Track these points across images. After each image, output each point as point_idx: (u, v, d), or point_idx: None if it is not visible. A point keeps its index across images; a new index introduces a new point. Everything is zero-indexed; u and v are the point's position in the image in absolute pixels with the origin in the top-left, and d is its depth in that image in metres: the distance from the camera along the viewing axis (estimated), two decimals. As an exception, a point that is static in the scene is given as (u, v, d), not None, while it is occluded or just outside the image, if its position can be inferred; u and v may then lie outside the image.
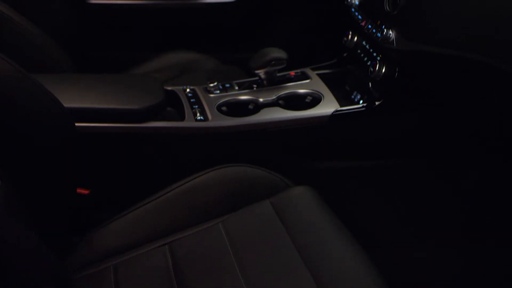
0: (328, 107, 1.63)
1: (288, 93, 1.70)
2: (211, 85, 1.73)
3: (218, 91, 1.72)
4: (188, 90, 1.73)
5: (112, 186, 1.60)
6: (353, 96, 1.73)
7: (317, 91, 1.69)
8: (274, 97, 1.67)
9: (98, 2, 2.56)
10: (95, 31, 2.51)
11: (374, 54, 1.66)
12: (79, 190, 1.49)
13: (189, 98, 1.68)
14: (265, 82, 1.73)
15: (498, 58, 1.20)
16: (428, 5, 1.38)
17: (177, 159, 1.60)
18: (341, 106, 1.63)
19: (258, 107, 1.64)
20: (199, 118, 1.59)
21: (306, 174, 1.64)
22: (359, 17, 1.70)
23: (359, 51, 1.77)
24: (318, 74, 1.79)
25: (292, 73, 1.80)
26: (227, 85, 1.75)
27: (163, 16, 2.61)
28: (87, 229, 1.41)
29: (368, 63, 1.67)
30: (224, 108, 1.65)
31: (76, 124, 1.34)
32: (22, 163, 1.20)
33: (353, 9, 1.74)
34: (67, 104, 1.30)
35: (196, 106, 1.64)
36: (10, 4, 1.74)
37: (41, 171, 1.25)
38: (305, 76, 1.78)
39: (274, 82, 1.73)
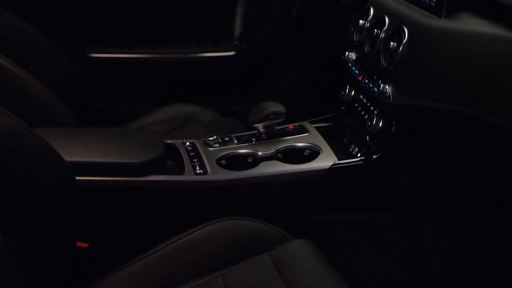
0: (326, 160, 1.64)
1: (286, 146, 1.71)
2: (211, 138, 1.74)
3: (217, 145, 1.73)
4: (187, 143, 1.74)
5: (111, 240, 1.60)
6: (351, 150, 1.75)
7: (315, 145, 1.71)
8: (273, 151, 1.69)
9: (99, 55, 2.60)
10: (96, 84, 2.54)
11: (371, 108, 1.68)
12: (78, 244, 1.49)
13: (188, 152, 1.69)
14: (264, 135, 1.74)
15: (494, 114, 1.21)
16: (424, 61, 1.40)
17: (176, 213, 1.60)
18: (339, 159, 1.64)
19: (257, 161, 1.66)
20: (198, 171, 1.60)
21: (305, 227, 1.65)
22: (356, 72, 1.73)
23: (356, 105, 1.79)
24: (316, 128, 1.81)
25: (291, 126, 1.82)
26: (226, 139, 1.76)
27: (163, 69, 2.64)
28: (87, 282, 1.40)
29: (366, 117, 1.69)
30: (223, 162, 1.66)
31: (77, 178, 1.35)
32: (22, 216, 1.20)
33: (350, 64, 1.76)
34: (67, 158, 1.31)
35: (196, 160, 1.65)
36: (13, 59, 1.77)
37: (41, 224, 1.25)
38: (303, 130, 1.79)
39: (272, 135, 1.74)
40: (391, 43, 1.49)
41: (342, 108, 1.87)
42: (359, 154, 1.70)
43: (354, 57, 1.75)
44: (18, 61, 1.78)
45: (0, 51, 1.75)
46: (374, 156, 1.61)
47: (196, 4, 2.72)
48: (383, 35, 1.56)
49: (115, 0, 2.69)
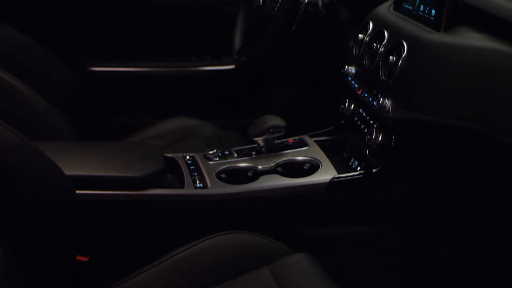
0: (326, 174, 1.64)
1: (286, 160, 1.71)
2: (211, 152, 1.75)
3: (217, 158, 1.73)
4: (187, 157, 1.74)
5: (111, 253, 1.60)
6: (350, 163, 1.75)
7: (315, 158, 1.71)
8: (273, 164, 1.69)
9: (99, 69, 2.61)
10: (96, 97, 2.54)
11: (371, 122, 1.69)
12: (78, 257, 1.49)
13: (188, 165, 1.70)
14: (263, 149, 1.74)
15: (494, 129, 1.22)
16: (423, 76, 1.40)
17: (176, 226, 1.60)
18: (338, 173, 1.64)
19: (256, 174, 1.66)
20: (198, 185, 1.60)
21: (305, 241, 1.64)
22: (356, 85, 1.73)
23: (356, 118, 1.79)
24: (316, 141, 1.81)
25: (290, 140, 1.82)
26: (226, 152, 1.77)
27: (163, 83, 2.65)
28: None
29: (365, 131, 1.69)
30: (223, 176, 1.66)
31: (77, 192, 1.35)
32: (22, 230, 1.20)
33: (349, 78, 1.77)
34: (67, 171, 1.31)
35: (196, 174, 1.66)
36: (13, 72, 1.77)
37: (41, 238, 1.25)
38: (303, 143, 1.79)
39: (272, 149, 1.74)
40: (390, 57, 1.49)
41: (342, 122, 1.87)
42: (358, 168, 1.70)
43: (353, 71, 1.75)
44: (18, 74, 1.78)
45: (0, 64, 1.75)
46: (374, 170, 1.61)
47: (196, 18, 2.73)
48: (383, 49, 1.57)
49: (115, 14, 2.70)
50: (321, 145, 1.79)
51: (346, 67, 1.77)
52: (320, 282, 1.35)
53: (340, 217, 1.67)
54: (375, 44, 1.61)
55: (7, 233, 1.13)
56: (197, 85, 2.67)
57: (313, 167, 1.69)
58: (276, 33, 2.06)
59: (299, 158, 1.73)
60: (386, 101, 1.50)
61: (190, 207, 1.59)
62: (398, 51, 1.48)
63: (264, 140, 1.72)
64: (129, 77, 2.64)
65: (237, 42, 2.64)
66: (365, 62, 1.65)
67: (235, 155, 1.76)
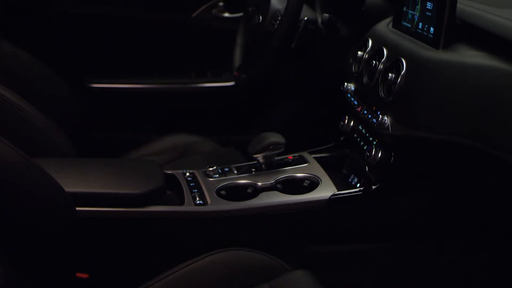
0: (325, 191, 1.64)
1: (286, 177, 1.72)
2: (210, 169, 1.75)
3: (217, 175, 1.74)
4: (187, 173, 1.75)
5: (111, 270, 1.60)
6: (350, 180, 1.75)
7: (315, 175, 1.71)
8: (273, 181, 1.69)
9: (99, 85, 2.61)
10: (96, 114, 2.55)
11: (370, 139, 1.69)
12: (78, 274, 1.49)
13: (188, 182, 1.70)
14: (263, 166, 1.75)
15: (494, 147, 1.22)
16: (422, 93, 1.41)
17: (176, 243, 1.60)
18: (338, 190, 1.65)
19: (256, 191, 1.66)
20: (198, 202, 1.60)
21: (305, 258, 1.64)
22: (355, 102, 1.73)
23: (355, 135, 1.79)
24: (315, 158, 1.81)
25: (290, 157, 1.82)
26: (226, 169, 1.77)
27: (163, 99, 2.65)
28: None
29: (365, 148, 1.69)
30: (223, 192, 1.66)
31: (77, 209, 1.35)
32: (22, 247, 1.20)
33: (349, 95, 1.77)
34: (68, 188, 1.31)
35: (196, 190, 1.66)
36: (14, 89, 1.78)
37: (41, 255, 1.25)
38: (303, 160, 1.80)
39: (272, 166, 1.75)
40: (390, 74, 1.50)
41: (341, 139, 1.88)
42: (358, 185, 1.70)
43: (353, 88, 1.76)
44: (19, 91, 1.79)
45: (1, 81, 1.76)
46: (374, 187, 1.62)
47: (196, 35, 2.75)
48: (382, 66, 1.57)
49: (115, 31, 2.72)
50: (321, 161, 1.79)
51: (346, 84, 1.77)
52: (320, 299, 1.35)
53: (340, 234, 1.67)
54: (374, 61, 1.61)
55: (7, 249, 1.13)
56: (197, 102, 2.68)
57: (313, 184, 1.69)
58: (276, 50, 2.06)
59: (299, 174, 1.73)
60: (386, 118, 1.51)
61: (190, 224, 1.59)
62: (397, 69, 1.49)
63: (264, 157, 1.73)
64: (129, 93, 2.64)
65: (237, 59, 2.66)
66: (365, 79, 1.66)
67: (235, 171, 1.76)
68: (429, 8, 1.46)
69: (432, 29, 1.45)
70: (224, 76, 2.70)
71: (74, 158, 1.89)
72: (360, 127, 1.78)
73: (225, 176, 1.74)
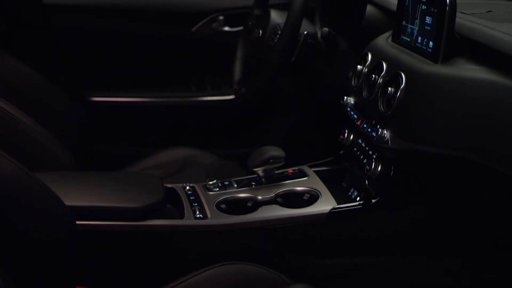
0: (325, 204, 1.64)
1: (286, 190, 1.72)
2: (210, 182, 1.75)
3: (217, 189, 1.74)
4: (187, 187, 1.75)
5: (111, 284, 1.60)
6: (350, 193, 1.75)
7: (315, 189, 1.71)
8: (272, 195, 1.69)
9: (99, 99, 2.62)
10: (96, 127, 2.55)
11: (370, 153, 1.69)
12: (77, 288, 1.49)
13: (188, 196, 1.70)
14: (263, 179, 1.75)
15: (494, 161, 1.22)
16: (421, 107, 1.41)
17: (176, 257, 1.60)
18: (338, 203, 1.64)
19: (256, 205, 1.66)
20: (198, 216, 1.60)
21: (305, 272, 1.64)
22: (355, 116, 1.74)
23: (355, 149, 1.80)
24: (315, 172, 1.81)
25: (290, 170, 1.82)
26: (226, 183, 1.77)
27: (163, 113, 2.66)
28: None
29: (364, 161, 1.69)
30: (223, 206, 1.66)
31: (77, 222, 1.35)
32: (22, 261, 1.20)
33: (348, 109, 1.78)
34: (68, 202, 1.31)
35: (196, 204, 1.66)
36: (14, 102, 1.78)
37: (41, 268, 1.25)
38: (303, 174, 1.80)
39: (272, 179, 1.75)
40: (389, 88, 1.50)
41: (341, 152, 1.88)
42: (358, 198, 1.70)
43: (352, 102, 1.76)
44: (19, 104, 1.79)
45: (1, 94, 1.76)
46: (374, 200, 1.62)
47: (196, 49, 2.75)
48: (381, 80, 1.58)
49: (116, 45, 2.72)
50: (321, 175, 1.79)
51: (345, 97, 1.78)
52: (320, 313, 1.35)
53: (340, 248, 1.67)
54: (373, 75, 1.62)
55: (7, 263, 1.13)
56: (197, 115, 2.68)
57: (313, 198, 1.69)
58: (275, 64, 2.07)
59: (299, 188, 1.73)
60: (385, 131, 1.51)
61: (190, 237, 1.59)
62: (396, 83, 1.49)
63: (264, 171, 1.73)
64: (129, 107, 2.65)
65: (237, 72, 2.66)
66: (364, 93, 1.66)
67: (235, 185, 1.76)
68: (428, 22, 1.47)
69: (431, 43, 1.45)
70: (224, 89, 2.70)
71: (74, 171, 1.89)
72: (359, 140, 1.78)
73: (225, 189, 1.73)
